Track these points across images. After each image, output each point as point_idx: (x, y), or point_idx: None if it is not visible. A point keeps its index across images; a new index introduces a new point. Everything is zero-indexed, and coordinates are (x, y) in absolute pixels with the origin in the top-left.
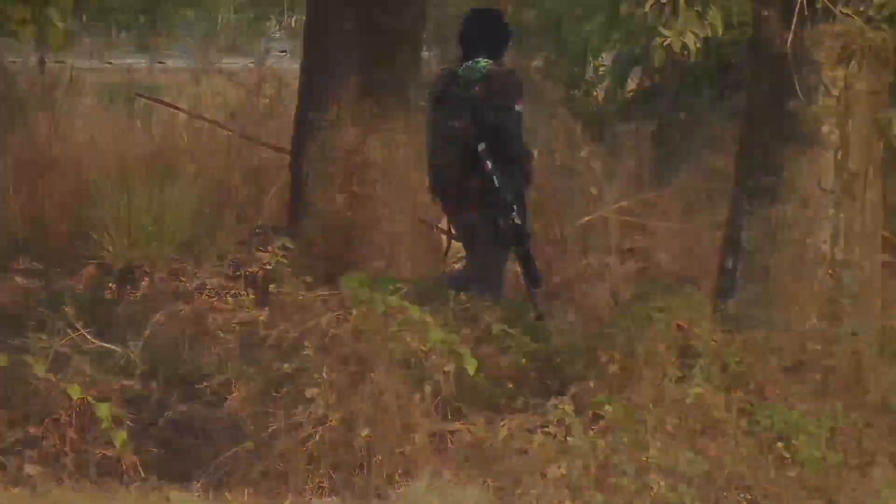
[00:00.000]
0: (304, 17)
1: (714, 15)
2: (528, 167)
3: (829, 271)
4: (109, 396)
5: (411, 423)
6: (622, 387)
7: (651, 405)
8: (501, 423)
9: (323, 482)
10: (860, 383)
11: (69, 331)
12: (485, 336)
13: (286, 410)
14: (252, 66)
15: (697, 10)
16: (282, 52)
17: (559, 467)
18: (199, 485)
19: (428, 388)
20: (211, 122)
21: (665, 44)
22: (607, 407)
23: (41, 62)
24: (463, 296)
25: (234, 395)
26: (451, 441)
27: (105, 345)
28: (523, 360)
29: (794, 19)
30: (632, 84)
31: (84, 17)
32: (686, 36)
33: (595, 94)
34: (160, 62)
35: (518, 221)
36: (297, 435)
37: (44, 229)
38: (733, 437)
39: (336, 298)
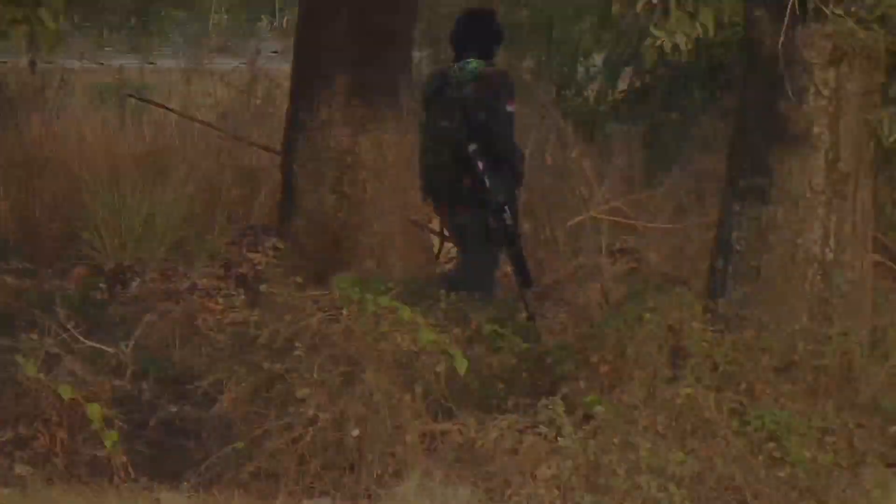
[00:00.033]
0: (295, 18)
1: (705, 15)
2: (519, 167)
3: (820, 272)
4: (100, 397)
5: (402, 423)
6: (613, 387)
7: (642, 405)
8: (492, 424)
9: (313, 482)
10: (851, 384)
11: (60, 331)
12: (476, 336)
13: (277, 411)
14: (243, 66)
15: (689, 11)
16: (273, 52)
17: (549, 468)
18: (189, 485)
19: (419, 389)
20: (202, 123)
21: (656, 44)
22: (598, 407)
23: (32, 63)
24: (454, 296)
25: (225, 395)
26: (442, 441)
27: (96, 345)
28: (514, 361)
29: (786, 20)
30: (623, 85)
31: (76, 18)
32: (677, 36)
33: (586, 94)
34: (151, 63)
35: (510, 222)
36: (287, 435)
37: (34, 229)
38: (724, 437)
39: (327, 299)
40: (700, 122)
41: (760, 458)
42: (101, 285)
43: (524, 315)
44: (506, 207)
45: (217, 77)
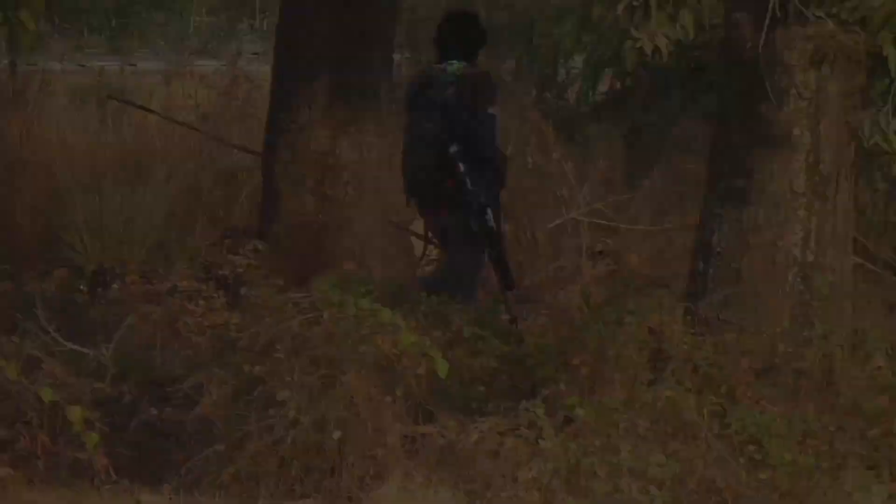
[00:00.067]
0: (276, 20)
1: (686, 17)
2: (501, 169)
3: (801, 274)
4: (81, 399)
5: (383, 426)
6: (593, 389)
7: (622, 408)
8: (473, 426)
9: (294, 485)
10: (831, 386)
11: (40, 333)
12: (456, 339)
13: (258, 413)
14: (224, 68)
15: (669, 13)
16: (254, 54)
17: (530, 470)
18: (170, 487)
19: (399, 391)
20: (182, 125)
21: (637, 46)
22: (578, 410)
23: (12, 64)
24: (435, 298)
25: (206, 397)
26: (423, 444)
27: (76, 348)
28: (495, 363)
29: (766, 22)
30: (604, 86)
31: (56, 20)
32: (658, 38)
33: (567, 96)
34: (132, 64)
35: (491, 224)
36: (268, 438)
37: (14, 231)
38: (705, 439)
39: (307, 301)
40: (681, 124)
41: (741, 460)
42: (81, 287)
43: (506, 317)
44: (488, 209)
45: (198, 79)
